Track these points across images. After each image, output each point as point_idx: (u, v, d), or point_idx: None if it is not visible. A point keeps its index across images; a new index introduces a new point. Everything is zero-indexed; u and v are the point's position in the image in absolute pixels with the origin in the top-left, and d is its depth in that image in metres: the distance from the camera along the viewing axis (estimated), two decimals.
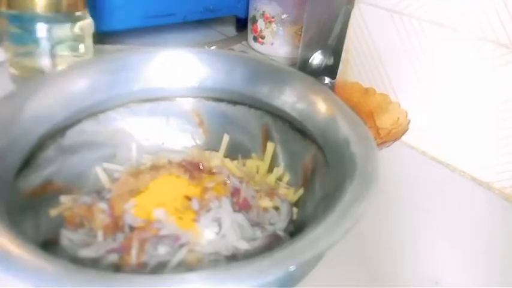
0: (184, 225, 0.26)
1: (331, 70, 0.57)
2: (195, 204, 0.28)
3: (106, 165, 0.33)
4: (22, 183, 0.26)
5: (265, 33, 0.67)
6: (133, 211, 0.27)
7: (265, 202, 0.30)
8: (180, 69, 0.35)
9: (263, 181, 0.33)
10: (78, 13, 0.45)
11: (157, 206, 0.27)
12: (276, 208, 0.31)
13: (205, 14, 0.70)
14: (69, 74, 0.32)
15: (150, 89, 0.34)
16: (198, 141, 0.37)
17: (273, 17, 0.66)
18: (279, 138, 0.34)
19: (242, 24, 0.74)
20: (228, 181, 0.31)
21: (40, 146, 0.29)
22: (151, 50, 0.35)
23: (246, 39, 0.72)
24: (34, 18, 0.42)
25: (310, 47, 0.59)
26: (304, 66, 0.60)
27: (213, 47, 0.64)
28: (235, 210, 0.28)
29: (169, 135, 0.36)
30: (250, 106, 0.35)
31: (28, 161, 0.27)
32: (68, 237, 0.27)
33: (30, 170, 0.27)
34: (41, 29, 0.42)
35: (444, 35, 0.43)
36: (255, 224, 0.29)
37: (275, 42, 0.67)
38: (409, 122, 0.43)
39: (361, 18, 0.50)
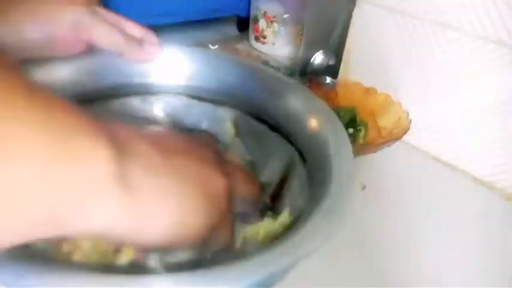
0: None
1: (332, 70, 0.57)
2: None
3: None
4: None
5: (267, 33, 0.67)
6: None
7: None
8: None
9: None
10: None
11: None
12: None
13: (207, 13, 0.70)
14: None
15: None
16: None
17: (274, 17, 0.65)
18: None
19: (244, 23, 0.74)
20: None
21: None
22: None
23: (248, 39, 0.72)
24: None
25: (312, 47, 0.59)
26: (305, 66, 0.59)
27: (216, 46, 0.64)
28: None
29: None
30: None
31: None
32: None
33: None
34: None
35: (446, 35, 0.42)
36: None
37: (277, 42, 0.67)
38: (410, 121, 0.43)
39: (363, 17, 0.50)
